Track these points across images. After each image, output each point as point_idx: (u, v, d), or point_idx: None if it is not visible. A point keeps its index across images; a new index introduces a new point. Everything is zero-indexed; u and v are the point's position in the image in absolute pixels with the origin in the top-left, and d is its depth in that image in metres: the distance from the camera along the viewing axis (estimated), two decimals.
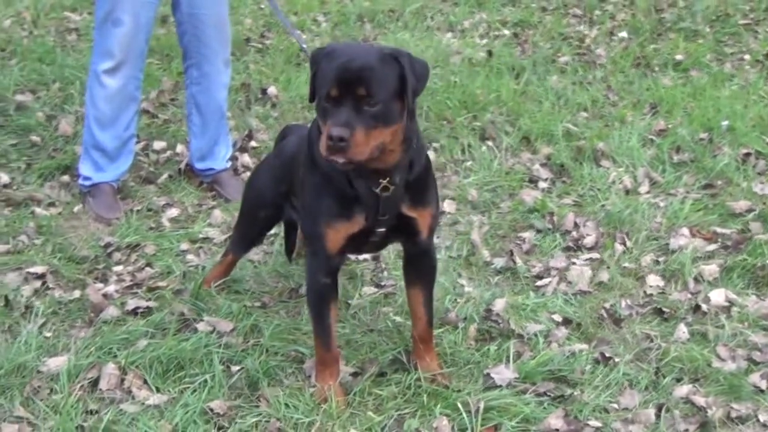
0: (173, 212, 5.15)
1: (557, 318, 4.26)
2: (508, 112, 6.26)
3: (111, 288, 4.30)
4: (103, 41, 4.95)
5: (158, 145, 5.83)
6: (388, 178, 3.34)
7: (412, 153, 3.39)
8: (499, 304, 4.29)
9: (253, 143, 5.91)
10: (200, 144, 5.35)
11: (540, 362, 3.90)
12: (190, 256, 4.69)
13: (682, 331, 4.21)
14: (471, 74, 6.89)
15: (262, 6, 8.47)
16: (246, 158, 5.73)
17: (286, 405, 3.52)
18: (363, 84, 3.13)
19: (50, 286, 4.31)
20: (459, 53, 7.39)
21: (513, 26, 8.12)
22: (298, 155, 3.66)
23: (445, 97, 6.44)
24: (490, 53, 7.34)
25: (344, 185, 3.36)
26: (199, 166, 5.42)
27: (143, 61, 5.12)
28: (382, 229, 3.47)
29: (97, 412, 3.48)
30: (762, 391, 3.86)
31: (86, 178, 5.18)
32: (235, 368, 3.72)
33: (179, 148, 5.78)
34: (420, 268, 3.70)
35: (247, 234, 4.22)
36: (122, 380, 3.65)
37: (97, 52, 5.01)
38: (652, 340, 4.15)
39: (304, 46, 4.24)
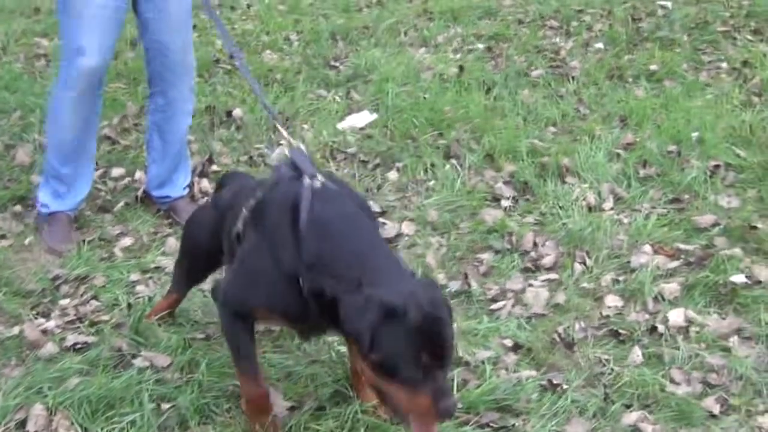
0: (127, 241, 5.06)
1: (508, 343, 4.15)
2: (473, 129, 6.12)
3: (52, 323, 4.21)
4: (68, 69, 4.86)
5: (117, 171, 5.75)
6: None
7: None
8: None
9: (214, 167, 5.81)
10: (159, 171, 5.26)
11: (485, 391, 3.79)
12: (140, 287, 4.59)
13: (637, 354, 4.10)
14: (441, 91, 6.77)
15: (235, 26, 8.38)
16: (205, 183, 5.64)
17: None
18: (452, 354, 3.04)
19: None
20: (430, 69, 7.28)
21: (488, 39, 7.99)
22: (234, 209, 3.50)
23: (412, 115, 6.32)
24: (461, 68, 7.22)
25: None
26: (156, 193, 5.33)
27: (102, 87, 5.08)
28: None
29: None
30: (714, 416, 3.74)
31: (44, 206, 5.12)
32: (165, 406, 3.59)
33: (138, 174, 5.68)
34: None
35: (186, 275, 4.09)
36: (50, 421, 3.51)
37: (62, 80, 4.92)
38: (604, 365, 4.01)
39: (274, 115, 4.24)
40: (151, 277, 4.70)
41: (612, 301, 4.48)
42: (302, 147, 3.50)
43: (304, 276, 3.04)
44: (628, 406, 3.79)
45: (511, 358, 4.06)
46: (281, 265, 3.11)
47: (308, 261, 3.03)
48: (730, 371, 4.00)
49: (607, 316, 4.36)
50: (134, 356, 3.92)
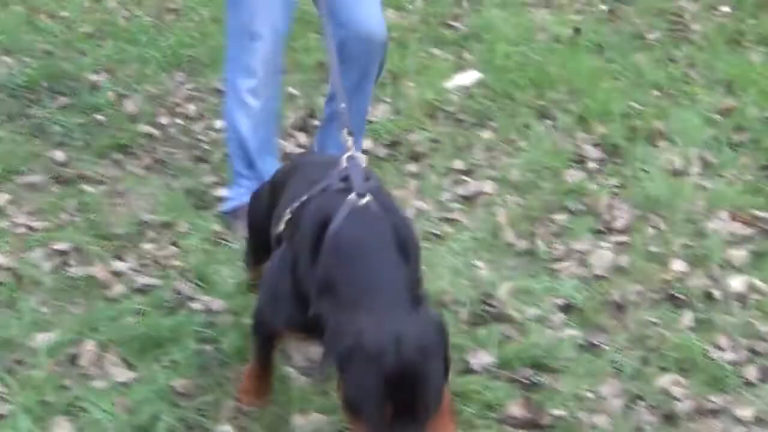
0: (219, 191, 5.18)
1: (560, 303, 4.19)
2: (573, 91, 6.11)
3: (126, 266, 4.39)
4: (241, 57, 4.58)
5: (219, 123, 5.88)
6: None
7: None
8: (503, 288, 4.23)
9: (314, 122, 5.90)
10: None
11: (523, 347, 3.85)
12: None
13: (688, 318, 4.09)
14: (551, 51, 6.76)
15: None
16: (304, 138, 5.75)
17: None
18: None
19: (71, 263, 4.42)
20: (546, 30, 7.25)
21: (613, 2, 7.88)
22: (282, 197, 3.30)
23: (517, 75, 6.34)
24: (577, 30, 7.18)
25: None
26: None
27: (281, 75, 4.83)
28: None
29: (69, 388, 3.58)
30: (750, 383, 3.72)
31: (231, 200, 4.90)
32: (209, 347, 3.77)
33: None
34: None
35: (251, 252, 3.97)
36: (100, 357, 3.74)
37: (236, 68, 4.65)
38: (652, 328, 4.03)
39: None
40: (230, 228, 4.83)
41: (677, 265, 4.48)
42: (362, 157, 3.23)
43: (313, 295, 2.78)
44: (664, 369, 3.78)
45: (559, 317, 4.11)
46: (298, 280, 2.90)
47: (320, 279, 2.75)
48: None
49: (668, 281, 4.35)
50: (192, 299, 4.09)
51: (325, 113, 5.09)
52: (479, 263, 4.50)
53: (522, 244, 4.68)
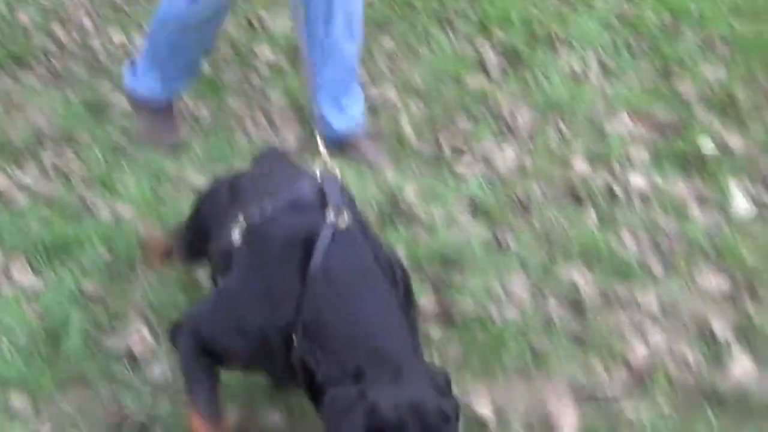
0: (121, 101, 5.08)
1: (466, 203, 4.22)
2: None
3: (28, 177, 4.32)
4: None
5: (118, 39, 5.78)
6: None
7: None
8: (410, 190, 4.25)
9: None
10: None
11: (432, 247, 3.88)
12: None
13: (591, 216, 4.16)
14: None
15: None
16: None
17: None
18: None
19: None
20: None
21: None
22: (249, 183, 3.03)
23: None
24: None
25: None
26: None
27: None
28: None
29: None
30: (654, 274, 3.81)
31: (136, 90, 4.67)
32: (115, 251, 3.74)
33: (138, 41, 5.75)
34: None
35: (185, 243, 3.45)
36: (6, 265, 3.68)
37: None
38: (556, 225, 4.09)
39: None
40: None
41: (578, 165, 4.54)
42: (338, 173, 2.87)
43: (298, 336, 2.48)
44: (571, 264, 3.85)
45: (466, 217, 4.14)
46: (275, 315, 2.52)
47: (306, 319, 2.46)
48: (682, 236, 4.05)
49: (571, 180, 4.41)
50: (96, 206, 4.04)
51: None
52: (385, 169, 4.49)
53: (427, 149, 4.70)
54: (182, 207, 3.89)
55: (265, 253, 2.59)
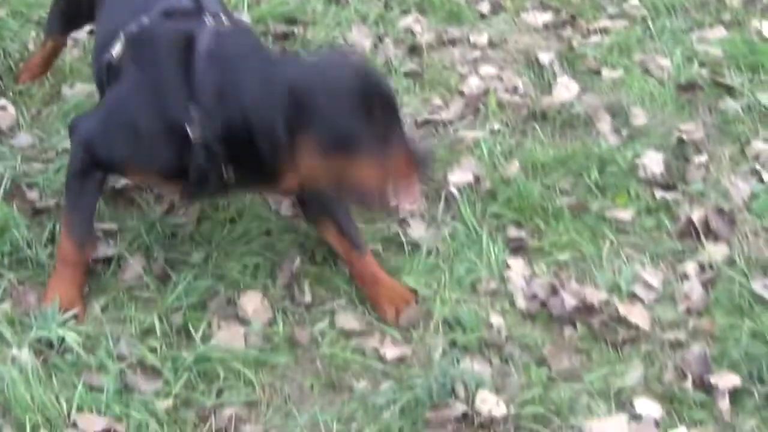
0: None
1: None
2: None
3: None
4: None
5: None
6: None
7: None
8: None
9: None
10: None
11: (273, 6, 4.05)
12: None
13: None
14: None
15: None
16: None
17: None
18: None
19: None
20: None
21: None
22: None
23: None
24: None
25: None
26: None
27: None
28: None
29: None
30: (483, 16, 4.08)
31: None
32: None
33: None
34: (314, 202, 2.86)
35: (62, 16, 3.48)
36: None
37: None
38: None
39: None
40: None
41: None
42: None
43: (198, 117, 2.50)
44: (405, 12, 4.09)
45: None
46: (165, 112, 2.55)
47: (205, 98, 2.50)
48: None
49: None
50: None
51: None
52: None
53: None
54: None
55: (149, 56, 2.63)
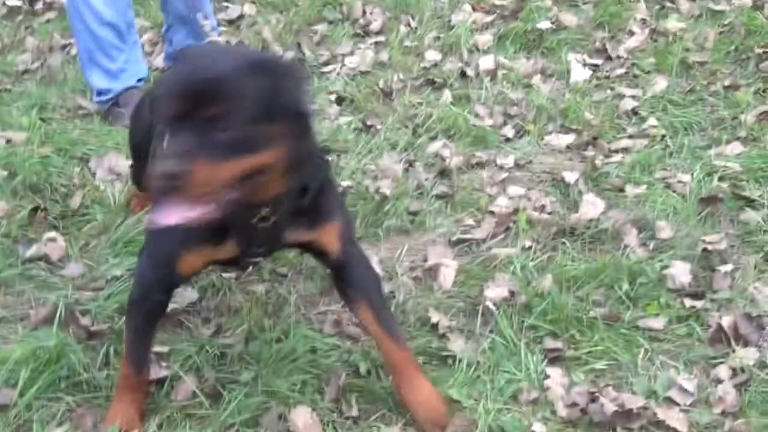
0: None
1: (333, 97, 4.59)
2: None
3: None
4: None
5: None
6: (268, 209, 2.55)
7: (305, 177, 2.57)
8: None
9: None
10: None
11: None
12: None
13: (447, 96, 4.57)
14: None
15: None
16: None
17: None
18: (210, 100, 2.25)
19: None
20: None
21: None
22: None
23: None
24: None
25: None
26: None
27: None
28: (259, 258, 2.84)
29: None
30: (509, 139, 4.24)
31: (102, 92, 4.65)
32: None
33: None
34: (352, 283, 2.84)
35: (137, 173, 3.56)
36: None
37: None
38: (417, 108, 4.48)
39: None
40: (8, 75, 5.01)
41: (431, 55, 4.95)
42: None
43: None
44: (433, 138, 4.26)
45: (335, 109, 4.52)
46: None
47: None
48: (529, 103, 4.50)
49: (425, 68, 4.82)
50: None
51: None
52: None
53: (290, 54, 5.03)
54: (69, 128, 4.24)
55: None
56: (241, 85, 2.27)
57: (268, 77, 2.32)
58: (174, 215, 2.28)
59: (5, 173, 4.00)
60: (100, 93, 4.58)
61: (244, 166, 2.30)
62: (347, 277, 2.83)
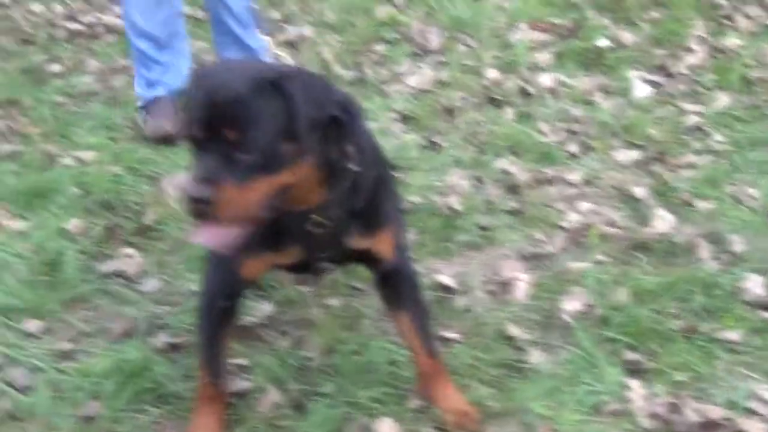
0: (54, 68, 5.38)
1: (395, 115, 4.62)
2: None
3: None
4: None
5: (37, 7, 6.05)
6: (317, 215, 2.57)
7: (354, 180, 2.56)
8: None
9: None
10: None
11: None
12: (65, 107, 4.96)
13: (509, 114, 4.59)
14: None
15: None
16: None
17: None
18: (229, 125, 2.26)
19: None
20: None
21: None
22: None
23: None
24: None
25: None
26: None
27: None
28: (326, 263, 2.80)
29: None
30: (574, 155, 4.26)
31: (138, 99, 4.74)
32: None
33: (58, 8, 6.01)
34: (397, 291, 2.89)
35: None
36: None
37: None
38: (480, 125, 4.51)
39: None
40: (73, 96, 5.08)
41: (491, 73, 4.97)
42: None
43: None
44: (499, 155, 4.29)
45: (399, 126, 4.55)
46: None
47: None
48: (592, 120, 4.51)
49: (486, 86, 4.85)
50: (61, 156, 4.35)
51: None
52: None
53: (351, 74, 5.08)
54: (137, 147, 4.35)
55: None
56: (257, 107, 2.28)
57: (284, 93, 2.30)
58: (211, 238, 2.35)
59: (79, 191, 4.02)
60: (137, 100, 4.67)
61: (271, 185, 2.33)
62: (395, 285, 2.88)
